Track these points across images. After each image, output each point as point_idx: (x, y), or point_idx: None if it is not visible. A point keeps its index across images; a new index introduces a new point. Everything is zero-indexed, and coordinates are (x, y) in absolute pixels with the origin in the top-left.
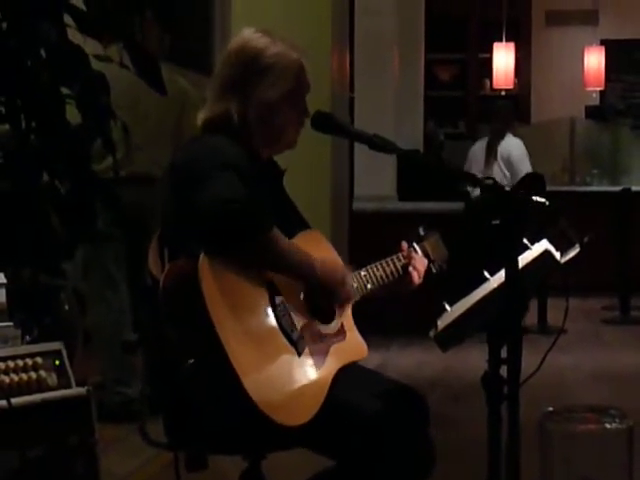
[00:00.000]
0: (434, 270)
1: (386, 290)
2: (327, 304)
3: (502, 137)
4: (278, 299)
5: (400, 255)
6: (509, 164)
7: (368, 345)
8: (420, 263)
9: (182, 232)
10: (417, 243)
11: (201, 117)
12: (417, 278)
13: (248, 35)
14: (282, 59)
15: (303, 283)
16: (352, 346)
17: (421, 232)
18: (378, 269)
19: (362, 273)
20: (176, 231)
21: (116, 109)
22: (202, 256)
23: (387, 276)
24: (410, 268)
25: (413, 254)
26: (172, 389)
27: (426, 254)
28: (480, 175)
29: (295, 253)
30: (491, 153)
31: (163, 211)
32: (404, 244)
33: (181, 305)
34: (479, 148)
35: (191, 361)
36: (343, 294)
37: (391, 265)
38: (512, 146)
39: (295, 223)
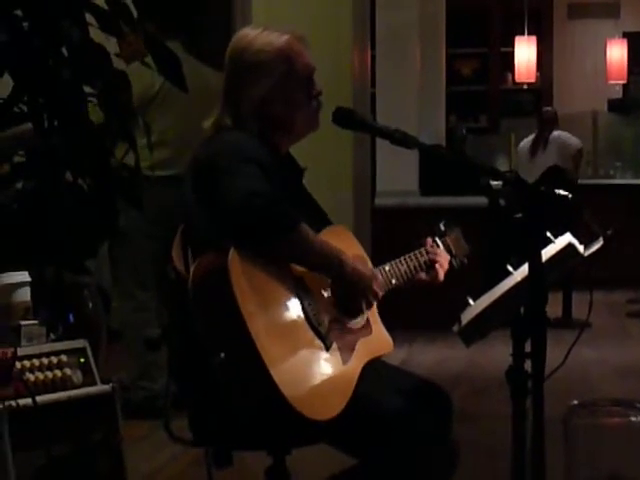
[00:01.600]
0: (455, 265)
1: (409, 284)
2: (353, 301)
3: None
4: (305, 293)
5: (423, 250)
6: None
7: (392, 340)
8: (444, 259)
9: (209, 227)
10: (439, 238)
11: (206, 124)
12: (442, 274)
13: (236, 36)
14: (263, 53)
15: (331, 278)
16: (378, 340)
17: (442, 227)
18: (402, 264)
19: (386, 268)
20: (202, 226)
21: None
22: (232, 250)
23: (411, 271)
24: (437, 265)
25: (437, 249)
26: (197, 384)
27: (448, 249)
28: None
29: (324, 248)
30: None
31: (186, 207)
32: (429, 239)
33: (211, 299)
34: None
35: (222, 354)
36: (370, 296)
37: (414, 260)
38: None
39: (318, 219)
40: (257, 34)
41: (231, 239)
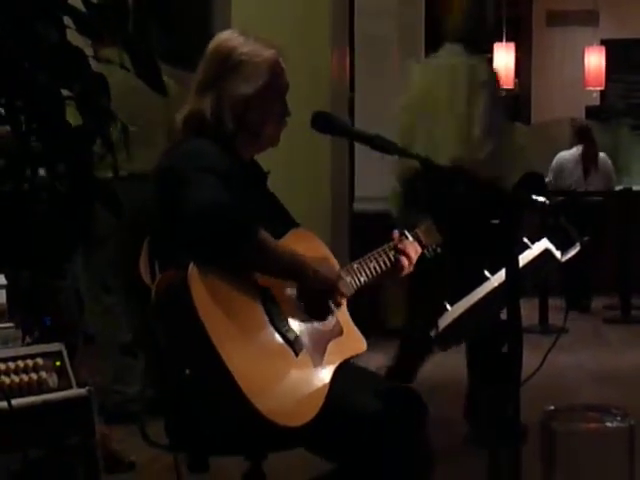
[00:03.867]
0: (428, 255)
1: (379, 280)
2: (320, 304)
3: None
4: (272, 300)
5: (392, 244)
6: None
7: (368, 346)
8: (411, 249)
9: (170, 241)
10: (409, 231)
11: (179, 117)
12: (407, 264)
13: (223, 35)
14: (255, 56)
15: (296, 284)
16: (350, 340)
17: (412, 219)
18: (371, 261)
19: (355, 266)
20: (165, 240)
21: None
22: (191, 266)
23: (380, 267)
24: (401, 256)
25: (404, 241)
26: (172, 391)
27: (419, 240)
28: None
29: (285, 255)
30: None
31: (151, 219)
32: (395, 232)
33: (173, 316)
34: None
35: (187, 371)
36: (336, 295)
37: (383, 256)
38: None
39: (283, 223)
40: (246, 39)
41: (191, 253)
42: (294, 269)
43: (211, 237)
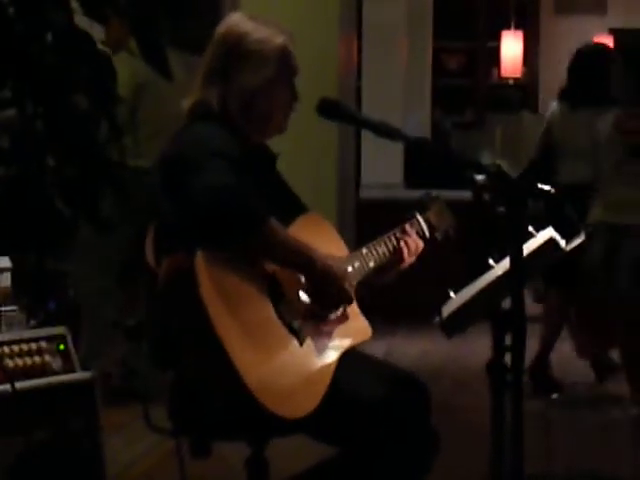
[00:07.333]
0: (439, 238)
1: (389, 265)
2: (325, 299)
3: None
4: (278, 289)
5: (399, 230)
6: None
7: (373, 333)
8: (412, 242)
9: (178, 226)
10: (420, 213)
11: (185, 104)
12: (407, 256)
13: (232, 20)
14: (264, 45)
15: (302, 276)
16: (356, 328)
17: (424, 201)
18: (380, 245)
19: (364, 251)
20: (172, 225)
21: None
22: (198, 251)
23: (389, 252)
24: (401, 243)
25: (407, 230)
26: (174, 375)
27: (429, 223)
28: None
29: (294, 246)
30: None
31: (158, 204)
32: (407, 225)
33: (179, 301)
34: None
35: (190, 355)
36: (342, 296)
37: (393, 240)
38: None
39: (292, 207)
40: (256, 25)
41: (197, 237)
42: (302, 262)
43: (220, 221)
